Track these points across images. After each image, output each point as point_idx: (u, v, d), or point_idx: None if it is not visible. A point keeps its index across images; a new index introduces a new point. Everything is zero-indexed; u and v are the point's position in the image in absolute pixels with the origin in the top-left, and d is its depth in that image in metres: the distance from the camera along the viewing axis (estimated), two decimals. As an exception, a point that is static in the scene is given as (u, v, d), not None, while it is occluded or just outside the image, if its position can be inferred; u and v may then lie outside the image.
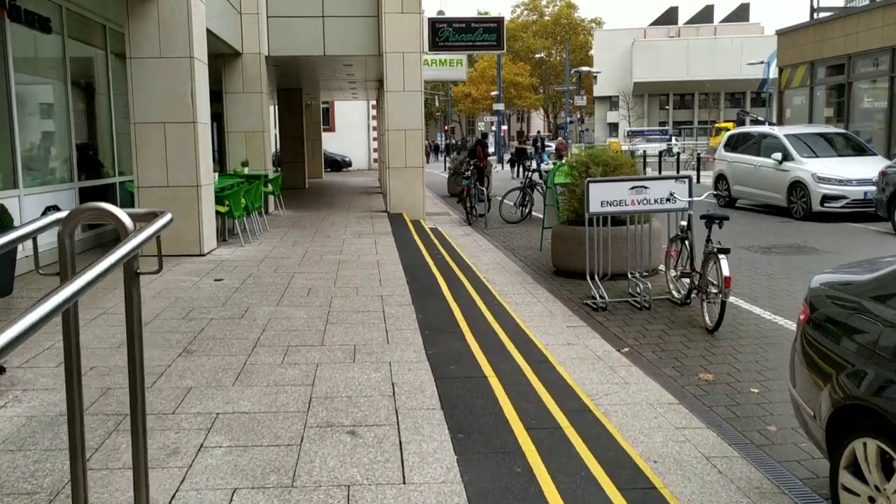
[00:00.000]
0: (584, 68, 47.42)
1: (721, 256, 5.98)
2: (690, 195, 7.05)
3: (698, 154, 29.45)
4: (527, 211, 15.37)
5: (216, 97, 18.14)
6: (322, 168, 30.71)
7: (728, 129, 27.74)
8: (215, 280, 7.42)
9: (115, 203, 9.90)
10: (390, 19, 14.06)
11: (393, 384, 4.42)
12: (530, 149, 30.23)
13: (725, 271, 5.84)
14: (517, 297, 7.18)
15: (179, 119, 8.56)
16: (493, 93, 54.66)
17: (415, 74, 14.28)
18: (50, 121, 8.89)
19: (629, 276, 7.32)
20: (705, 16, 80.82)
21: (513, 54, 74.51)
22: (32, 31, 8.16)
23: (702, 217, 6.57)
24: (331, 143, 38.75)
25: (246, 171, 13.89)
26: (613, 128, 77.35)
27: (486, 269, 8.94)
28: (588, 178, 7.30)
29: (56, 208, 8.49)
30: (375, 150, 43.03)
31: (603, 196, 6.97)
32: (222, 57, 14.01)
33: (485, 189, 15.55)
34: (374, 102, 40.97)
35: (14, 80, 7.64)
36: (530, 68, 79.78)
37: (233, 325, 5.75)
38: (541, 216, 15.45)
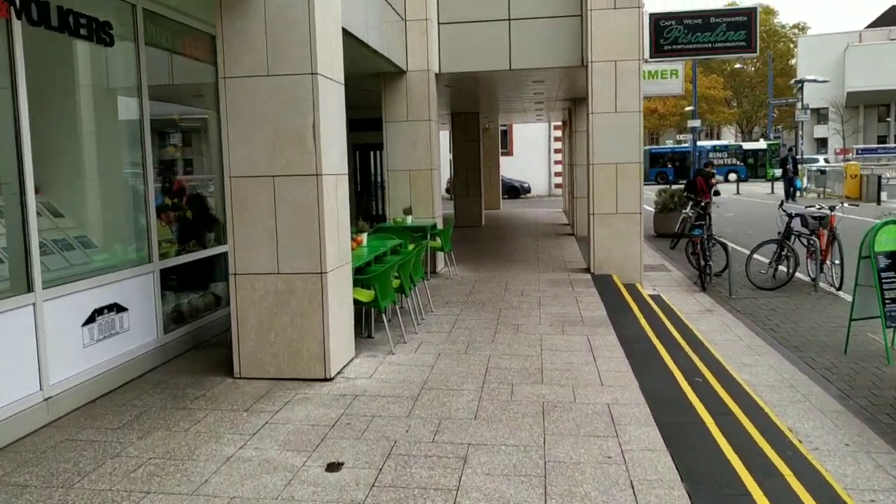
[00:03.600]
0: (810, 77, 40.87)
1: None
2: None
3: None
4: (788, 272, 11.12)
5: (373, 125, 15.29)
6: (500, 197, 27.59)
7: None
8: (327, 469, 4.15)
9: (208, 290, 7.25)
10: (598, 18, 10.50)
11: None
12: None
13: None
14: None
15: (292, 171, 5.48)
16: (687, 108, 49.51)
17: (631, 90, 10.60)
18: (109, 166, 6.16)
19: None
20: (937, 13, 70.39)
21: (703, 65, 68.36)
22: (72, 38, 5.44)
23: None
24: (508, 167, 35.68)
25: (409, 220, 10.83)
26: (822, 143, 69.80)
27: (779, 402, 5.27)
28: None
29: (118, 307, 5.69)
30: (557, 174, 39.52)
31: None
32: (382, 77, 11.09)
33: (720, 240, 11.47)
34: (557, 123, 37.53)
35: (29, 102, 4.89)
36: (723, 80, 73.08)
37: None
38: (807, 278, 11.20)
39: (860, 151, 40.32)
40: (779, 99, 52.81)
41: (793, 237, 11.23)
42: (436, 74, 11.29)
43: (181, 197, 6.78)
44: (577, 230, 16.60)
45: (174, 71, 6.89)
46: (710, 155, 44.35)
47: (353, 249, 7.45)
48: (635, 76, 10.57)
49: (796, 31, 77.70)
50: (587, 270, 11.26)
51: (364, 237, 8.10)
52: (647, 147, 53.68)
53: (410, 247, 9.99)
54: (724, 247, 11.70)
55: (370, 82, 11.78)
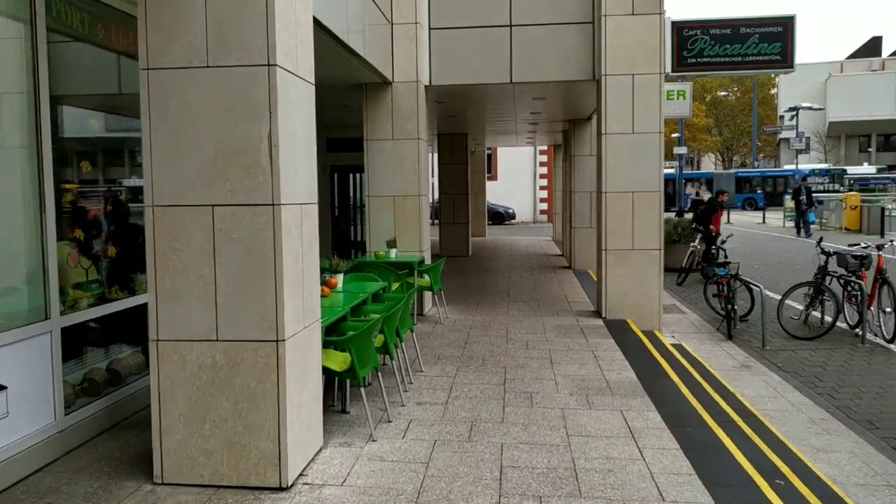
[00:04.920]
0: (805, 104, 40.06)
1: None
2: None
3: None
4: (822, 318, 9.73)
5: (353, 145, 13.68)
6: (485, 224, 26.17)
7: None
8: None
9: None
10: (613, 26, 9.11)
11: None
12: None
13: None
14: None
15: (239, 199, 3.94)
16: (673, 134, 48.56)
17: (651, 107, 9.20)
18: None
19: None
20: (916, 45, 70.90)
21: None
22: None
23: None
24: (491, 192, 34.26)
25: (393, 254, 9.29)
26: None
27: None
28: None
29: (-9, 386, 4.08)
30: (542, 200, 38.20)
31: None
32: (364, 88, 9.60)
33: (748, 281, 10.05)
34: (542, 148, 36.27)
35: None
36: (705, 108, 72.84)
37: None
38: (846, 326, 9.78)
39: (854, 182, 39.29)
40: (769, 127, 52.20)
41: (829, 279, 9.85)
42: (425, 87, 9.83)
43: (99, 229, 5.18)
44: (574, 263, 15.14)
45: (95, 66, 5.34)
46: (810, 179, 40.99)
47: (324, 296, 5.89)
48: (655, 92, 9.18)
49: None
50: (597, 314, 9.77)
51: (339, 278, 6.54)
52: (734, 171, 50.51)
53: (395, 286, 8.44)
54: (750, 289, 10.31)
55: (350, 96, 10.29)
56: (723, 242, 10.93)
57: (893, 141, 66.12)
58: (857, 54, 73.35)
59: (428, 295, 10.08)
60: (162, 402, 4.08)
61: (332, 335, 5.30)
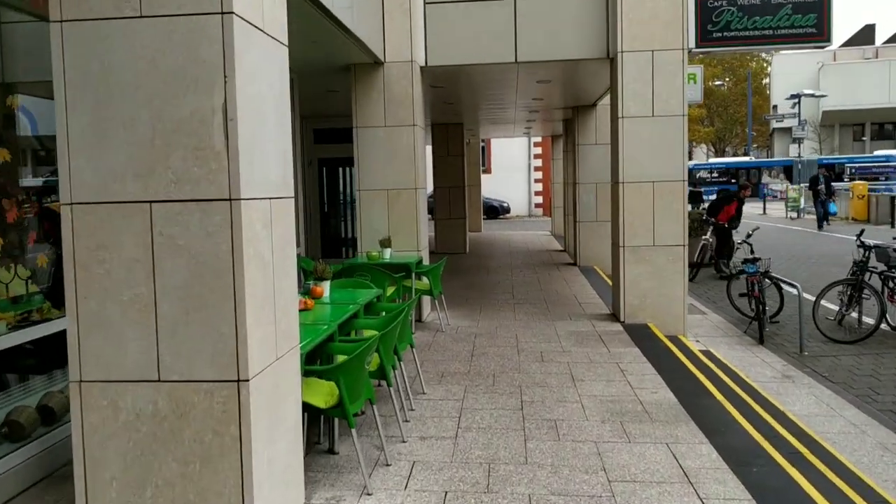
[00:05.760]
0: (807, 91, 39.15)
1: None
2: None
3: None
4: (866, 321, 8.83)
5: (342, 136, 12.78)
6: (481, 219, 25.20)
7: None
8: None
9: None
10: (630, -5, 8.14)
11: None
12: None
13: None
14: None
15: (184, 192, 2.94)
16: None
17: (673, 87, 8.24)
18: None
19: None
20: (910, 33, 70.36)
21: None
22: None
23: None
24: (485, 186, 33.22)
25: (387, 255, 8.31)
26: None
27: None
28: None
29: None
30: (538, 193, 37.22)
31: None
32: (353, 70, 8.60)
33: (779, 278, 9.12)
34: (537, 139, 35.27)
35: None
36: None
37: None
38: (891, 328, 8.82)
39: (855, 171, 38.23)
40: (770, 115, 51.18)
41: (869, 275, 8.93)
42: (421, 68, 8.83)
43: (22, 234, 4.17)
44: (580, 260, 14.18)
45: (37, 44, 4.32)
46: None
47: (306, 310, 4.91)
48: (678, 69, 8.21)
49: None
50: (614, 317, 8.81)
51: (326, 287, 5.55)
52: (817, 157, 47.34)
53: (390, 291, 7.46)
54: (779, 286, 9.38)
55: (338, 80, 9.29)
56: (748, 236, 9.98)
57: (887, 129, 65.77)
58: (850, 42, 72.73)
59: (427, 298, 9.10)
60: (88, 463, 3.09)
61: (317, 360, 4.32)
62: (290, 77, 8.69)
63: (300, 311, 4.85)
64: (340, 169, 15.24)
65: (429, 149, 19.36)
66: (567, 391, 5.83)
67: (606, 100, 13.28)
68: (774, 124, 68.07)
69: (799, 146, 33.97)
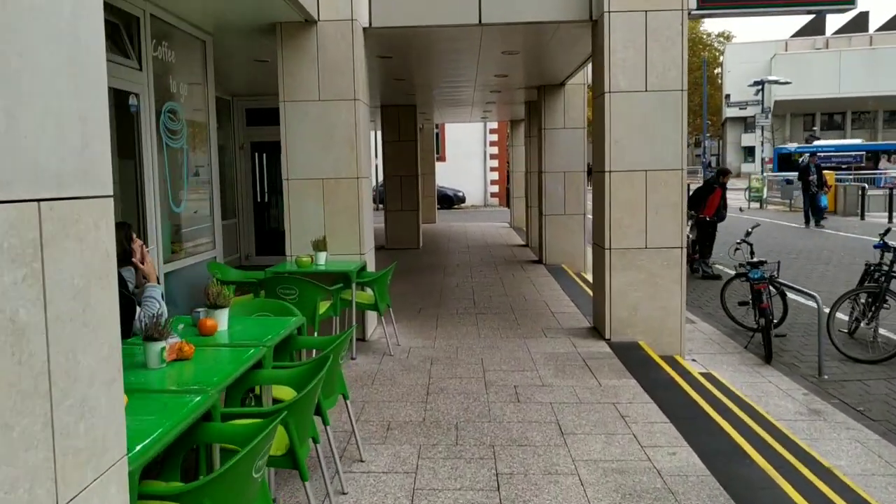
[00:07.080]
0: (772, 77, 38.40)
1: None
2: None
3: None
4: (884, 333, 7.57)
5: (267, 117, 11.12)
6: (435, 210, 23.64)
7: None
8: None
9: None
10: (620, -58, 6.63)
11: None
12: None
13: None
14: None
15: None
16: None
17: (671, 56, 6.77)
18: None
19: None
20: (859, 24, 71.24)
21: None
22: None
23: None
24: (439, 174, 31.63)
25: (322, 260, 6.67)
26: (749, 152, 69.82)
27: None
28: None
29: None
30: (493, 182, 35.75)
31: None
32: (278, 29, 6.92)
33: (784, 283, 7.78)
34: (493, 125, 33.73)
35: None
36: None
37: None
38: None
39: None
40: (734, 103, 50.50)
41: (893, 281, 7.63)
42: (364, 29, 7.18)
43: None
44: (546, 257, 12.72)
45: None
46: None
47: (182, 359, 3.28)
48: (677, 35, 6.74)
49: (722, 39, 77.54)
50: (597, 333, 7.35)
51: (223, 317, 3.90)
52: (867, 144, 41.45)
53: (324, 308, 5.85)
54: (783, 294, 8.06)
55: (263, 46, 7.60)
56: (747, 234, 8.62)
57: (836, 120, 66.45)
58: (801, 32, 73.17)
59: (372, 315, 7.49)
60: None
61: (187, 441, 2.70)
62: (202, 39, 6.95)
63: (173, 361, 3.23)
64: (278, 154, 13.49)
65: (379, 134, 17.69)
66: (556, 454, 4.31)
67: (577, 78, 11.82)
68: (727, 113, 68.05)
69: (762, 133, 33.20)
